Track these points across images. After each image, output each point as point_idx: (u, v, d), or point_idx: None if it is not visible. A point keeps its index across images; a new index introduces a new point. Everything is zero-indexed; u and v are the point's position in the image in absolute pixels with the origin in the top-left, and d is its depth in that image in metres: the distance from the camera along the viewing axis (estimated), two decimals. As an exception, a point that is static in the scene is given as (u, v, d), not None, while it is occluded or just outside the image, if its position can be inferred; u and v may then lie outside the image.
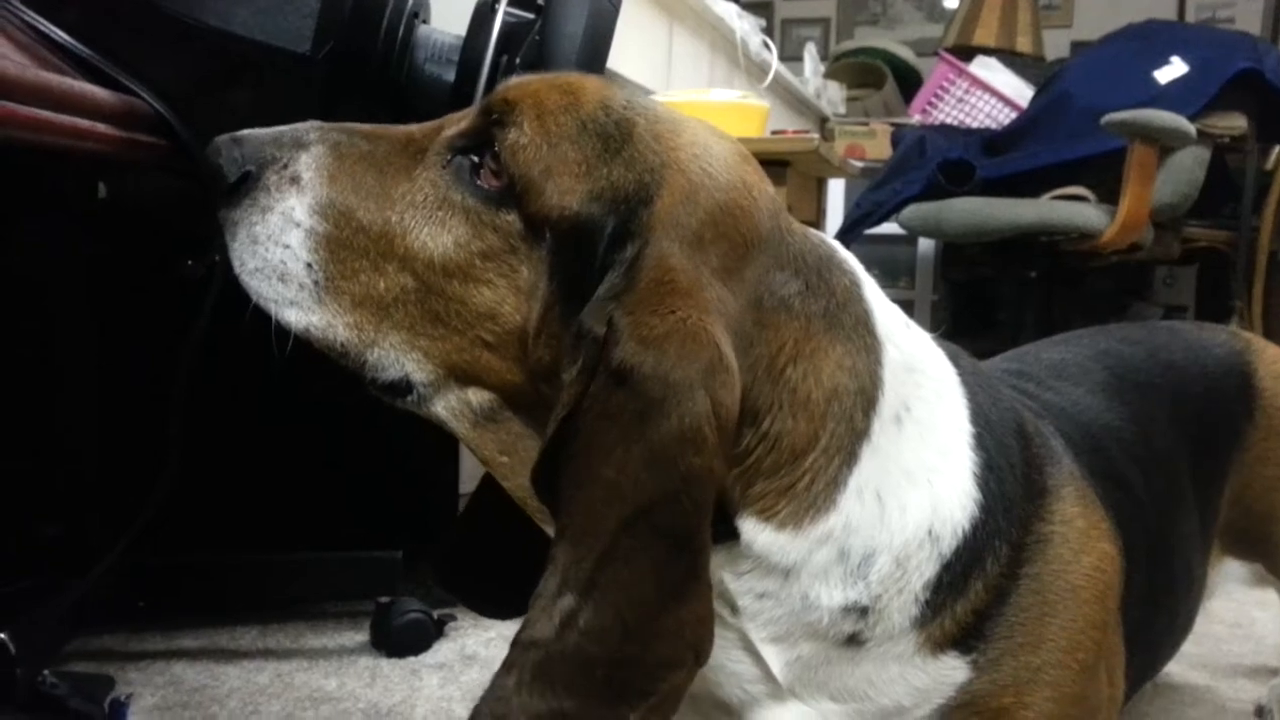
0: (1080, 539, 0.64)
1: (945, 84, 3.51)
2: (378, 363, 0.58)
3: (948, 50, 3.95)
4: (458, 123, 0.60)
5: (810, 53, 3.55)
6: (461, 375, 0.58)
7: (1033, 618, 0.60)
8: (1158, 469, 0.83)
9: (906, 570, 0.56)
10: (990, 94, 3.45)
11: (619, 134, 0.55)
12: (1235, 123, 2.87)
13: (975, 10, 4.28)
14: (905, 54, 4.45)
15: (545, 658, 0.49)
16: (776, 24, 5.61)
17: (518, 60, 0.73)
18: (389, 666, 1.23)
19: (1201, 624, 0.95)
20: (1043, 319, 3.00)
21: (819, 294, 0.56)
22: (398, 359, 0.58)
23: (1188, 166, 2.78)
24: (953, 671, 0.58)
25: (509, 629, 1.32)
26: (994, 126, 3.33)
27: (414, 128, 0.60)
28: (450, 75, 0.77)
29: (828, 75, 3.94)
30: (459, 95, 0.76)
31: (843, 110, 3.80)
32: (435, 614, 1.30)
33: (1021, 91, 3.42)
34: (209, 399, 1.09)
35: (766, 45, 2.38)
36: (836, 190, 3.34)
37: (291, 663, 1.23)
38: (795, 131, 2.66)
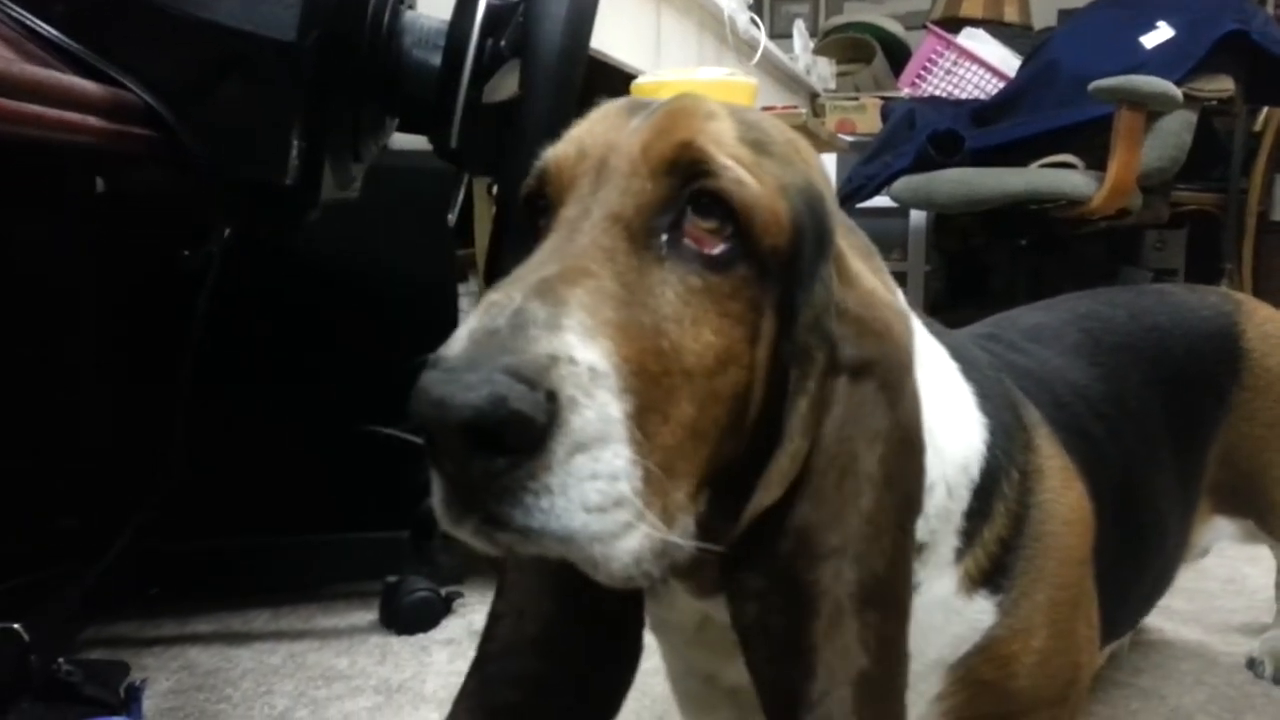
0: (1063, 474, 0.67)
1: (934, 56, 3.51)
2: (678, 544, 0.46)
3: (935, 23, 3.95)
4: (626, 196, 0.49)
5: (799, 29, 3.55)
6: (700, 491, 0.49)
7: (1042, 549, 0.63)
8: (1128, 426, 0.85)
9: (954, 498, 0.60)
10: (978, 65, 3.45)
11: (762, 137, 0.52)
12: (1223, 85, 2.87)
13: (963, -18, 4.27)
14: (894, 28, 4.45)
15: (875, 687, 0.49)
16: (766, 1, 5.59)
17: (503, 43, 0.75)
18: (399, 644, 1.25)
19: (1194, 580, 0.98)
20: (1033, 286, 3.02)
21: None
22: (684, 522, 0.47)
23: (1175, 130, 2.79)
24: (982, 615, 0.61)
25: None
26: (982, 97, 3.33)
27: (591, 232, 0.48)
28: (437, 60, 0.78)
29: (817, 51, 3.93)
30: (445, 79, 0.77)
31: (833, 86, 3.79)
32: (443, 591, 1.32)
33: (1009, 61, 3.42)
34: (216, 386, 1.10)
35: (755, 23, 2.37)
36: (828, 165, 3.34)
37: (303, 643, 1.25)
38: (785, 107, 2.67)
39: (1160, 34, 2.89)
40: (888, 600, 0.50)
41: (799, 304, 0.50)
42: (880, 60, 4.21)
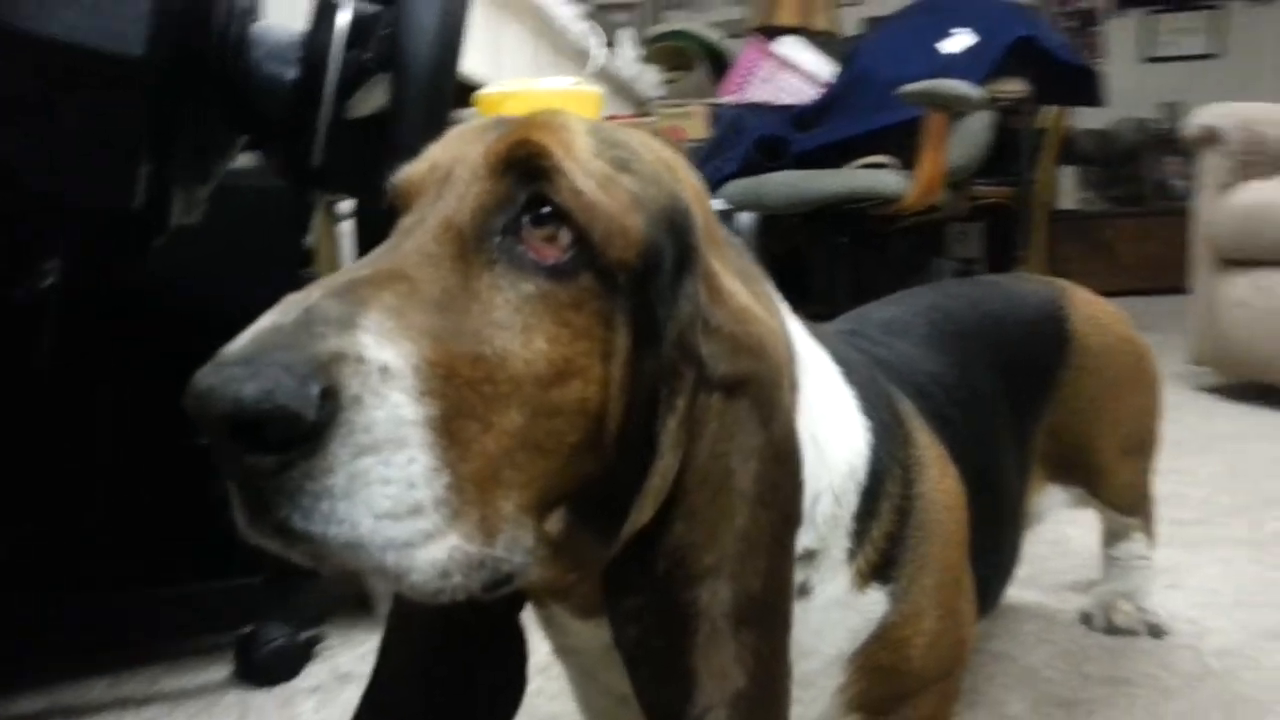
0: (939, 463, 0.71)
1: (754, 64, 3.65)
2: (505, 557, 0.45)
3: (753, 31, 4.10)
4: (463, 201, 0.48)
5: (627, 37, 3.60)
6: (546, 506, 0.48)
7: (926, 537, 0.66)
8: (979, 409, 0.91)
9: (842, 504, 0.61)
10: (795, 72, 3.61)
11: (626, 153, 0.51)
12: (1016, 87, 3.13)
13: (775, -9, 4.46)
14: (714, 36, 4.58)
15: (752, 706, 0.49)
16: (590, 10, 5.64)
17: (367, 56, 0.73)
18: (261, 698, 1.18)
19: (1028, 546, 1.05)
20: (853, 283, 3.18)
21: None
22: (513, 535, 0.45)
23: (976, 130, 3.01)
24: (875, 606, 0.64)
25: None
26: (802, 103, 3.49)
27: (420, 236, 0.47)
28: (291, 73, 0.75)
29: (643, 60, 4.00)
30: (303, 94, 0.74)
31: (661, 93, 3.87)
32: (302, 636, 1.26)
33: (824, 68, 3.60)
34: (47, 426, 1.01)
35: (591, 32, 2.40)
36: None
37: (151, 709, 1.16)
38: (630, 117, 2.71)
39: (958, 40, 3.11)
40: (765, 618, 0.51)
41: (661, 321, 0.49)
42: (703, 68, 4.33)
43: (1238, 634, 1.20)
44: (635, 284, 0.49)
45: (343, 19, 0.68)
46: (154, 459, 1.28)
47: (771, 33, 3.95)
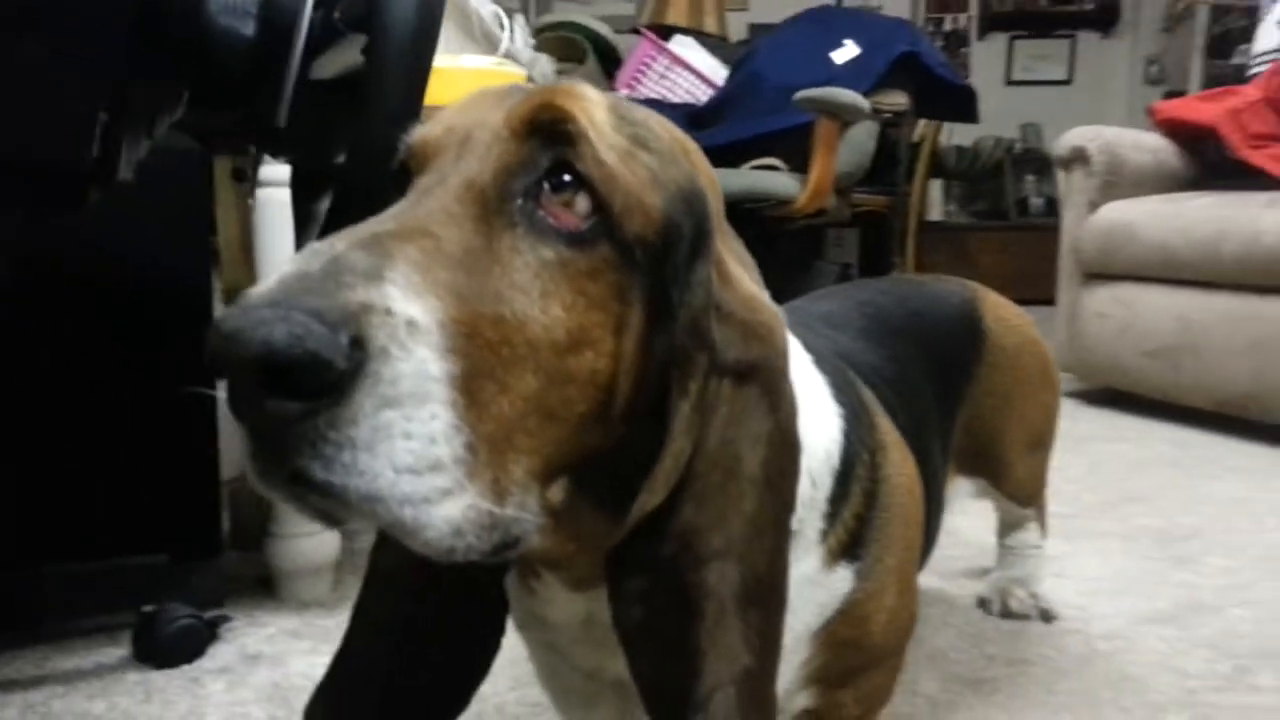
0: (899, 447, 0.74)
1: (648, 60, 3.67)
2: (515, 519, 0.45)
3: (646, 28, 4.12)
4: (488, 160, 0.48)
5: (520, 25, 3.55)
6: (551, 475, 0.48)
7: (890, 518, 0.69)
8: (914, 401, 0.95)
9: (819, 487, 0.63)
10: (689, 71, 3.65)
11: (646, 132, 0.51)
12: (899, 100, 3.25)
13: (666, -10, 4.50)
14: (603, 30, 4.57)
15: (757, 683, 0.50)
16: (471, -6, 5.55)
17: (336, 15, 0.70)
18: (163, 679, 1.12)
19: (927, 534, 1.11)
20: (747, 281, 3.23)
21: None
22: (523, 500, 0.45)
23: (861, 139, 3.12)
24: (842, 582, 0.65)
25: (290, 623, 1.25)
26: (695, 102, 3.54)
27: (442, 195, 0.46)
28: (248, 28, 0.71)
29: (534, 48, 3.96)
30: (264, 51, 0.71)
31: (554, 82, 3.85)
32: (206, 616, 1.20)
33: (717, 70, 3.65)
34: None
35: (499, 19, 2.36)
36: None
37: (43, 690, 1.09)
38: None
39: (848, 51, 3.21)
40: (769, 598, 0.52)
41: (675, 304, 0.50)
42: (592, 61, 4.33)
43: (1119, 619, 1.29)
44: (651, 261, 0.49)
45: (313, -24, 0.65)
46: (46, 429, 1.19)
47: (664, 31, 3.99)
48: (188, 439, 1.24)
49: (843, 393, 0.69)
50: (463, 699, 0.62)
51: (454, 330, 0.41)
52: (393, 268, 0.41)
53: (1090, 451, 2.22)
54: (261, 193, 1.34)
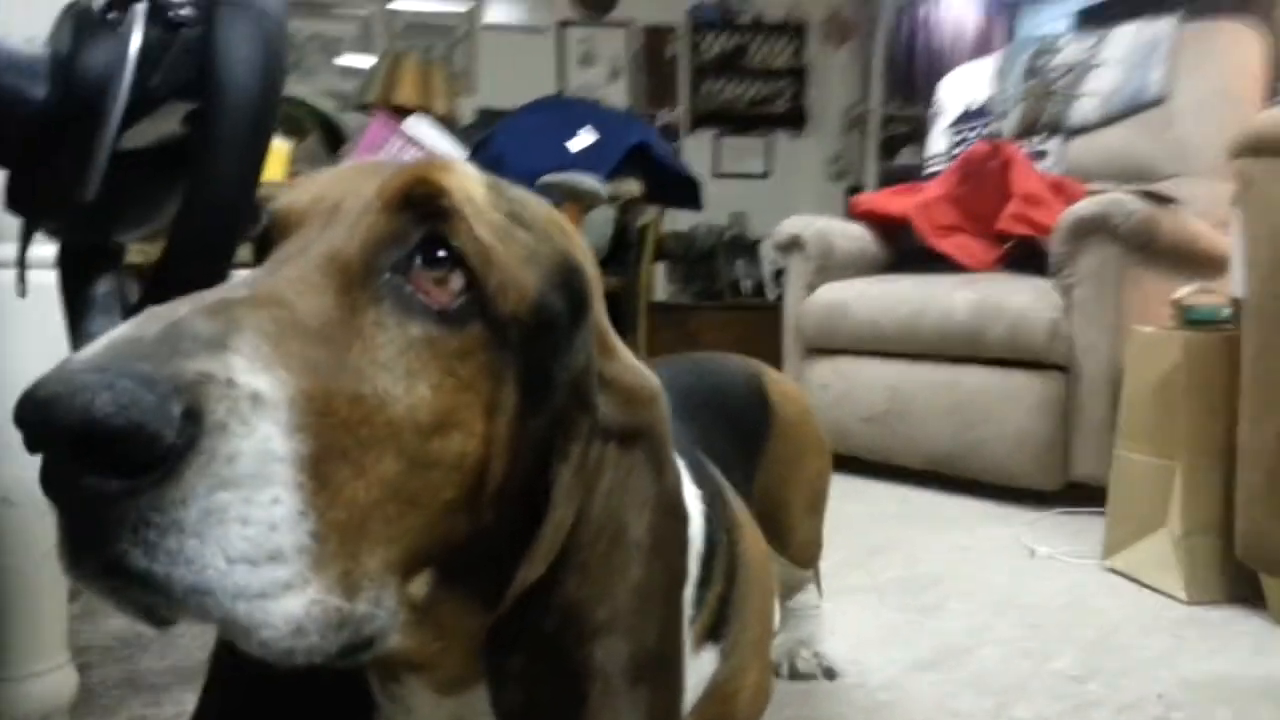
0: (748, 523, 0.76)
1: (382, 139, 3.61)
2: (368, 617, 0.41)
3: (377, 107, 4.06)
4: (352, 232, 0.45)
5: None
6: (412, 567, 0.45)
7: (748, 593, 0.70)
8: (728, 474, 0.99)
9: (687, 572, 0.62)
10: (423, 151, 3.63)
11: (523, 209, 0.50)
12: (632, 187, 3.42)
13: (395, 71, 4.46)
14: (326, 106, 4.46)
15: None
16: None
17: (155, 81, 0.63)
18: None
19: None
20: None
21: None
22: (378, 595, 0.42)
23: (600, 224, 3.25)
24: (708, 664, 0.65)
25: None
26: (433, 182, 3.51)
27: (302, 264, 0.43)
28: (39, 90, 0.63)
29: (255, 121, 3.78)
30: (60, 117, 0.63)
31: (280, 158, 3.67)
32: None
33: (454, 152, 3.66)
34: None
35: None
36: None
37: None
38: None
39: (583, 140, 3.34)
40: (661, 675, 0.51)
41: (554, 380, 0.49)
42: (315, 136, 4.19)
43: (891, 669, 1.38)
44: (526, 340, 0.48)
45: (136, 40, 0.59)
46: None
47: (398, 111, 3.95)
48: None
49: (697, 472, 0.70)
50: None
51: (305, 406, 0.38)
52: (239, 336, 0.37)
53: (828, 512, 2.39)
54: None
